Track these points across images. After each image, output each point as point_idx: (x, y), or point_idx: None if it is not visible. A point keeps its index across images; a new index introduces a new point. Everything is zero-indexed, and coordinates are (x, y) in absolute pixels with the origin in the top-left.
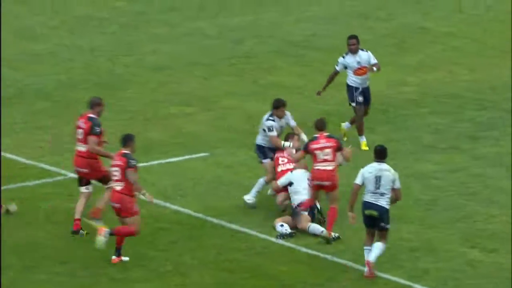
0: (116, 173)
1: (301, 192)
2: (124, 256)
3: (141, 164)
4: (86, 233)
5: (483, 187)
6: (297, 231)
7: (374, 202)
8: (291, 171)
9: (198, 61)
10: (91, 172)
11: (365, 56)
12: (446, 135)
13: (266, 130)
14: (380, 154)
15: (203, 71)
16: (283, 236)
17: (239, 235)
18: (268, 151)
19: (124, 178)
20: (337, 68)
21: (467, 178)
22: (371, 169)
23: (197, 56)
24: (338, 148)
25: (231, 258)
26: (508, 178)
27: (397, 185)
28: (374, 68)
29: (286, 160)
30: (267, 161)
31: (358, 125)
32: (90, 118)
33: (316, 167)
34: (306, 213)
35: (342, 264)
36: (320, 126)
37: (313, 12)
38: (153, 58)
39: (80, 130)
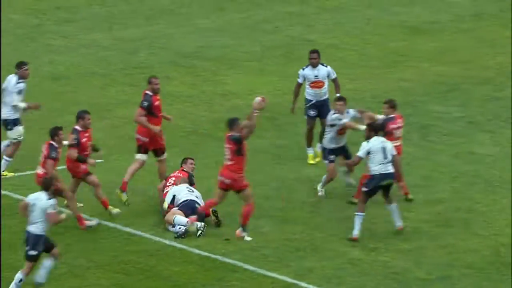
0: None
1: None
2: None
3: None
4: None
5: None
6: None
7: (387, 171)
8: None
9: (94, 71)
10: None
11: (323, 71)
12: None
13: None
14: (378, 129)
15: (99, 81)
16: (180, 236)
17: (133, 238)
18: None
19: (234, 157)
20: (299, 80)
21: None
22: (376, 142)
23: (93, 66)
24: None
25: (126, 260)
26: None
27: (394, 151)
28: (337, 94)
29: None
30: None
31: (307, 137)
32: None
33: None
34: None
35: (232, 264)
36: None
37: (203, 24)
38: (50, 68)
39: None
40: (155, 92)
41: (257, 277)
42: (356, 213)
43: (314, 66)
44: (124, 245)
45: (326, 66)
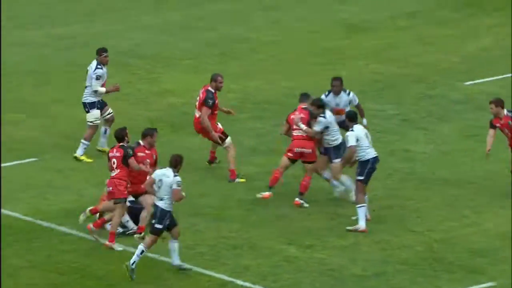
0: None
1: None
2: None
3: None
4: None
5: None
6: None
7: (376, 155)
8: None
9: (30, 69)
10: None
11: (345, 98)
12: (266, 139)
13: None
14: (356, 117)
15: (34, 79)
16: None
17: (68, 237)
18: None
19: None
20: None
21: (286, 178)
22: (359, 129)
23: (28, 64)
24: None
25: (61, 260)
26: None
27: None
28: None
29: None
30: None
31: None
32: None
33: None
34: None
35: (168, 263)
36: None
37: (138, 22)
38: None
39: None
40: (218, 90)
41: (193, 275)
42: (358, 206)
43: (336, 94)
44: (59, 244)
45: (348, 94)
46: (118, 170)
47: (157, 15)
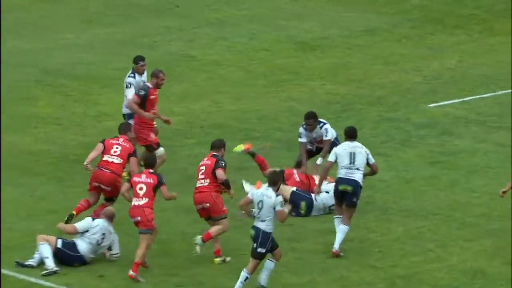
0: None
1: None
2: None
3: None
4: None
5: (252, 219)
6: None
7: (349, 177)
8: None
9: None
10: None
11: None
12: None
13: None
14: (352, 134)
15: None
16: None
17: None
18: None
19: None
20: (301, 140)
21: (235, 209)
22: (345, 146)
23: None
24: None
25: None
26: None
27: (372, 160)
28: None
29: None
30: None
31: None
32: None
33: None
34: None
35: None
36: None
37: (68, 40)
38: None
39: None
40: (158, 87)
41: None
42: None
43: (311, 131)
44: None
45: (322, 127)
46: (147, 199)
47: (88, 30)
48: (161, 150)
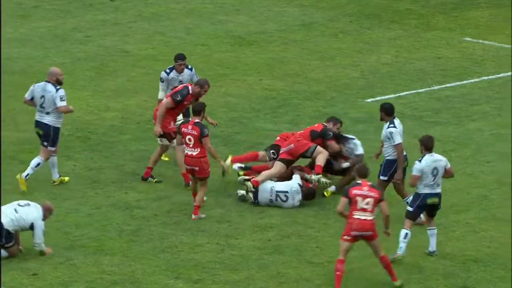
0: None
1: None
2: None
3: None
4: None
5: (188, 216)
6: None
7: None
8: None
9: None
10: None
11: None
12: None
13: None
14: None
15: None
16: None
17: None
18: None
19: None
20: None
21: (171, 206)
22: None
23: None
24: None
25: None
26: (214, 205)
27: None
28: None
29: None
30: None
31: None
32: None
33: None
34: None
35: None
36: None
37: (5, 34)
38: None
39: None
40: (197, 95)
41: None
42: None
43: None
44: None
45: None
46: (198, 149)
47: (24, 25)
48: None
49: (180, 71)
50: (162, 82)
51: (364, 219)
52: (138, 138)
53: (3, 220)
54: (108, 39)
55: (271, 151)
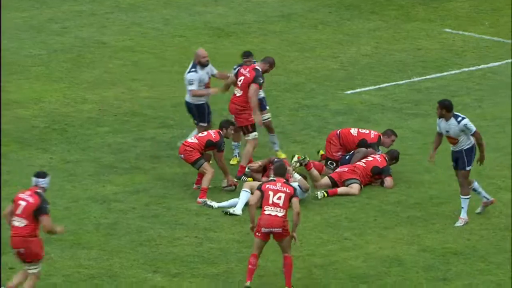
0: None
1: None
2: None
3: None
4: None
5: (166, 209)
6: None
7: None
8: None
9: None
10: None
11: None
12: (127, 155)
13: None
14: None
15: None
16: None
17: None
18: None
19: None
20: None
21: (149, 199)
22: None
23: None
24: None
25: None
26: (192, 198)
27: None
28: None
29: None
30: None
31: None
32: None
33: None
34: None
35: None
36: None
37: None
38: None
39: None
40: (267, 72)
41: None
42: (465, 197)
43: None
44: None
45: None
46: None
47: (6, 16)
48: (254, 134)
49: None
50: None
51: (275, 215)
52: (115, 130)
53: None
54: (85, 30)
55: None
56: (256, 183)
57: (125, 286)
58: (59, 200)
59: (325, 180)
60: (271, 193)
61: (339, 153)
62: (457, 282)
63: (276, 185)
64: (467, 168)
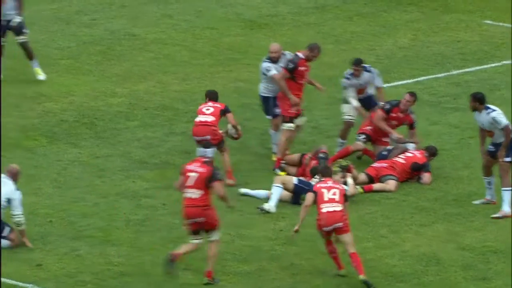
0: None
1: None
2: None
3: None
4: None
5: None
6: None
7: None
8: None
9: None
10: None
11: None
12: (158, 150)
13: None
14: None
15: None
16: None
17: None
18: None
19: None
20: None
21: (180, 195)
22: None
23: None
24: None
25: None
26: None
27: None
28: None
29: None
30: None
31: None
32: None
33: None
34: None
35: None
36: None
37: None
38: None
39: None
40: (309, 60)
41: None
42: (506, 189)
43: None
44: None
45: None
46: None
47: (28, 9)
48: (290, 124)
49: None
50: (345, 89)
51: (333, 211)
52: (145, 124)
53: None
54: (115, 22)
55: (362, 137)
56: (289, 178)
57: (155, 284)
58: (88, 195)
59: (362, 176)
60: (324, 190)
61: (370, 127)
62: (498, 281)
63: (327, 183)
64: (506, 160)
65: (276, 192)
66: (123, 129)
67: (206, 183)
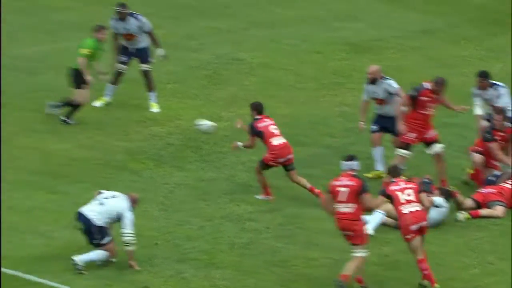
0: None
1: None
2: None
3: None
4: None
5: (301, 229)
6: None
7: None
8: None
9: None
10: None
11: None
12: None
13: None
14: None
15: None
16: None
17: (36, 286)
18: None
19: None
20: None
21: (283, 219)
22: None
23: None
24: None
25: None
26: (328, 219)
27: None
28: None
29: None
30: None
31: None
32: None
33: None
34: None
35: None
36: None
37: None
38: None
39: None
40: (435, 92)
41: None
42: None
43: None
44: None
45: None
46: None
47: None
48: (404, 151)
49: (484, 89)
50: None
51: (415, 210)
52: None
53: (90, 217)
54: (221, 47)
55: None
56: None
57: None
58: (193, 219)
59: (468, 202)
60: (398, 193)
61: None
62: None
63: (399, 185)
64: None
65: (377, 217)
66: (228, 152)
67: (357, 196)
